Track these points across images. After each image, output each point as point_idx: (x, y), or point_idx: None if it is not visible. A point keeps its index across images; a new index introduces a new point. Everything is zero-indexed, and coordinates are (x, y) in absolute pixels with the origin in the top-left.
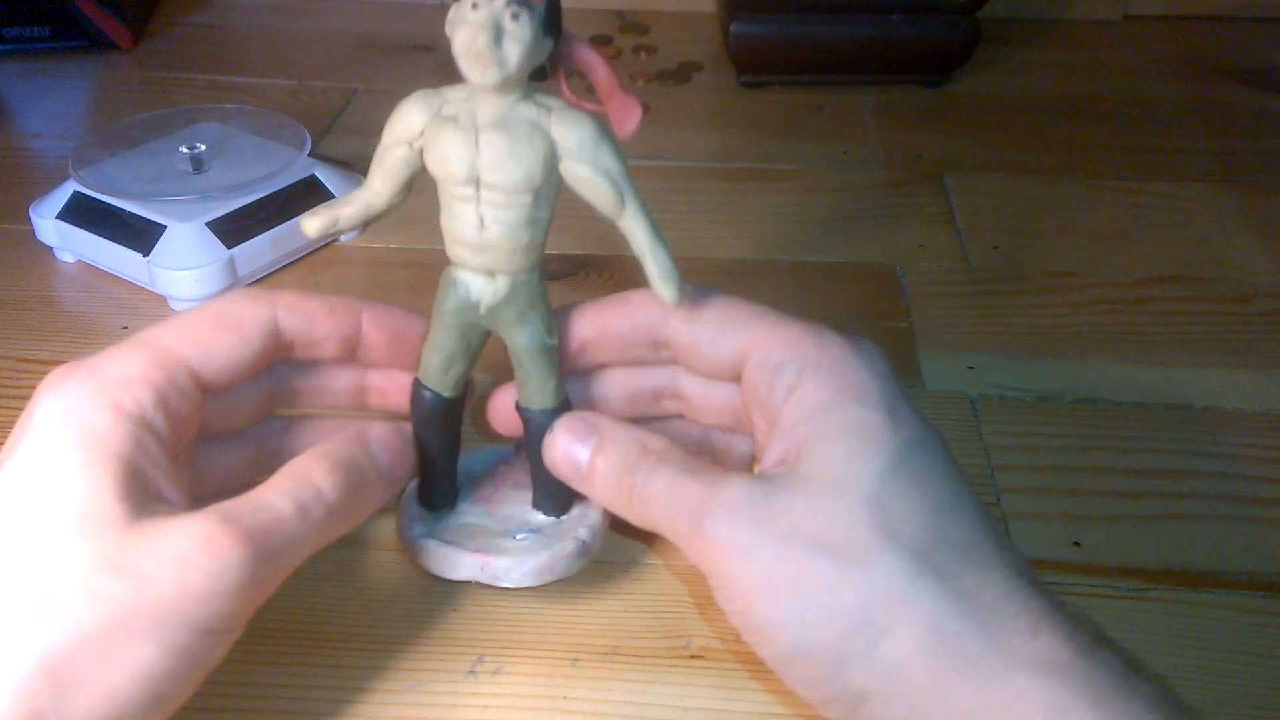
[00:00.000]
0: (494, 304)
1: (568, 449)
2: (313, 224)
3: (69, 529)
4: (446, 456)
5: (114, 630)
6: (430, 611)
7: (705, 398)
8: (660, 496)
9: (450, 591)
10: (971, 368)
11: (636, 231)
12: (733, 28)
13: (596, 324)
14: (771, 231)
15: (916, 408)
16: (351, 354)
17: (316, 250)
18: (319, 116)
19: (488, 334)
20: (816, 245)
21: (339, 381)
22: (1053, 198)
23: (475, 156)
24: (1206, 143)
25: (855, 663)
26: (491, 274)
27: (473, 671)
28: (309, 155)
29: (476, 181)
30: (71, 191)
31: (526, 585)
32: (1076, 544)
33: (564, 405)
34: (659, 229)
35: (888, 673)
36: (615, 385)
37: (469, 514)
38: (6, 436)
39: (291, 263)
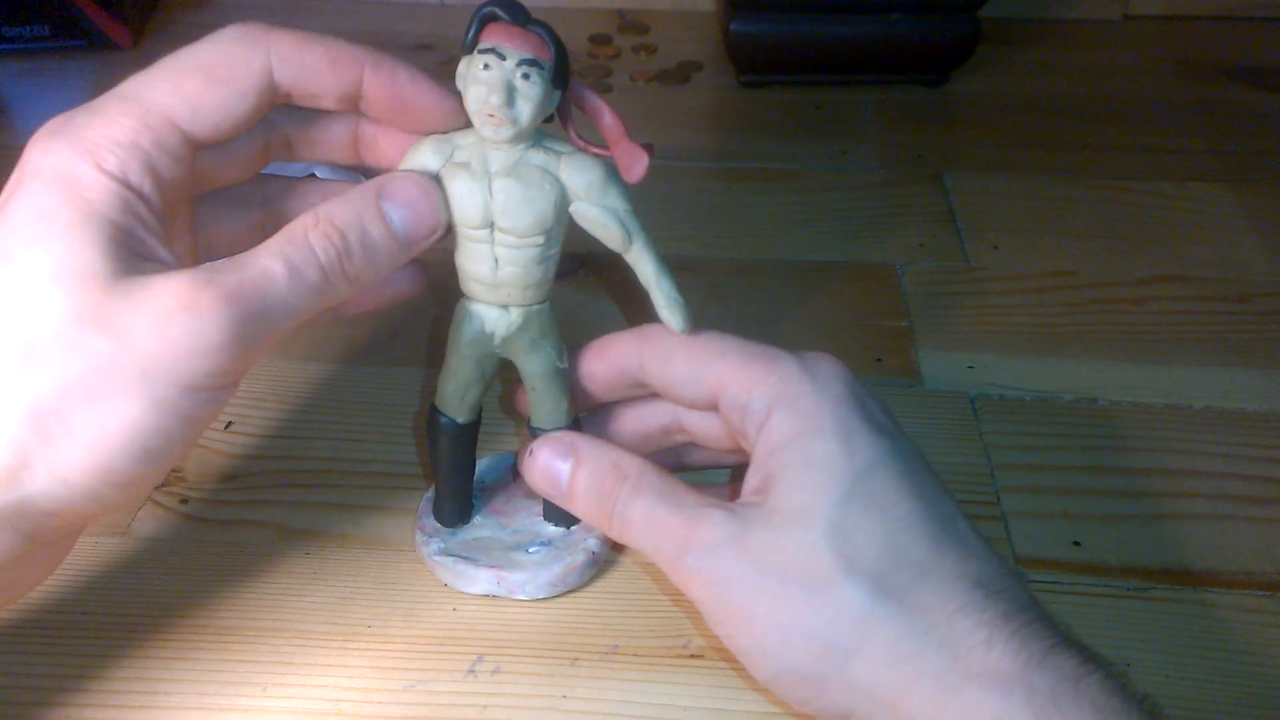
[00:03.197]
0: (508, 334)
1: (548, 466)
2: None
3: (49, 282)
4: (462, 478)
5: (96, 383)
6: (430, 611)
7: (706, 429)
8: (640, 525)
9: (450, 591)
10: (971, 368)
11: (643, 265)
12: (733, 27)
13: (582, 368)
14: (771, 231)
15: (881, 420)
16: (351, 108)
17: None
18: None
19: (500, 361)
20: (816, 245)
21: (335, 131)
22: (1053, 198)
23: (489, 202)
24: (1206, 143)
25: (832, 683)
26: (505, 307)
27: (472, 671)
28: None
29: (491, 225)
30: None
31: (540, 597)
32: (1076, 544)
33: (575, 424)
34: (664, 261)
35: (862, 691)
36: (624, 427)
37: (483, 527)
38: None
39: None
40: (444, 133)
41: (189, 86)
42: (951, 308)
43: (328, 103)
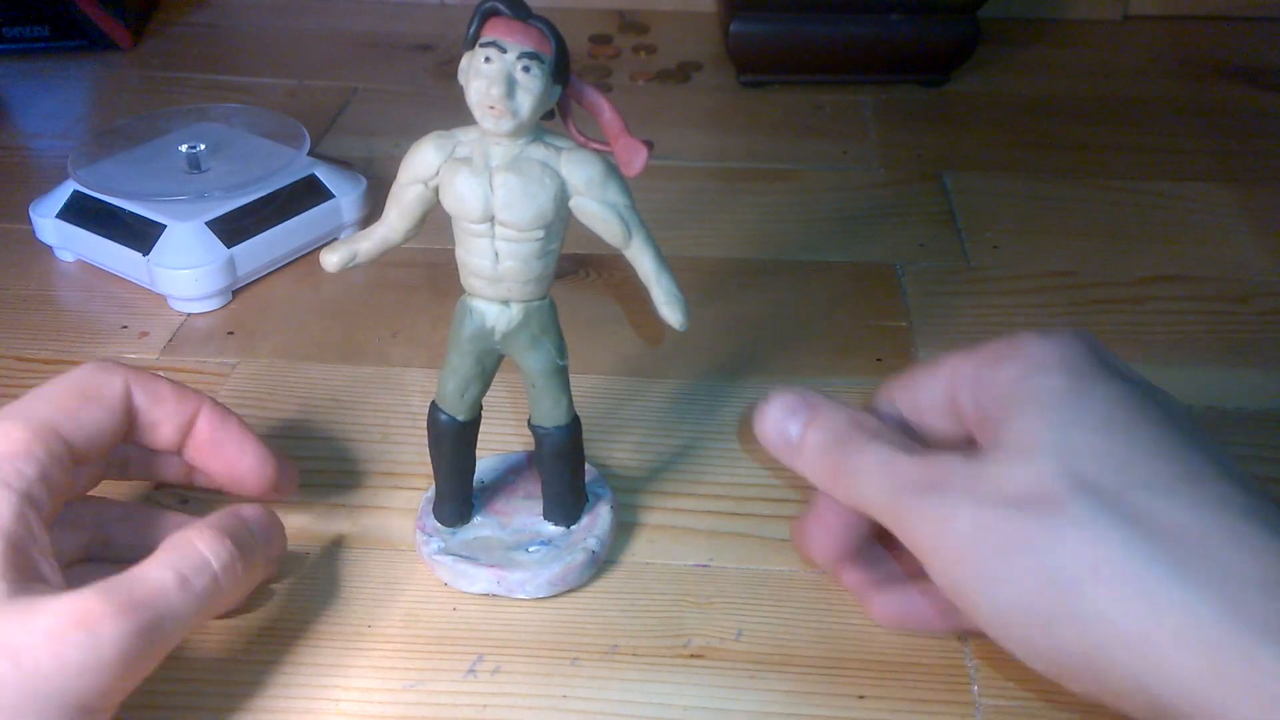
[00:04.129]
0: (508, 330)
1: (780, 421)
2: (332, 259)
3: None
4: (462, 477)
5: None
6: (430, 611)
7: None
8: (868, 470)
9: (450, 591)
10: None
11: (643, 260)
12: (733, 27)
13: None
14: (771, 231)
15: (1122, 369)
16: (182, 442)
17: (315, 250)
18: (319, 116)
19: (501, 358)
20: (816, 245)
21: (171, 462)
22: (1053, 198)
23: (489, 196)
24: (1206, 143)
25: (1061, 617)
26: (505, 302)
27: (472, 671)
28: (308, 154)
29: (491, 219)
30: (71, 191)
31: (540, 597)
32: None
33: (575, 422)
34: (664, 257)
35: (1094, 624)
36: None
37: (483, 527)
38: None
39: (291, 262)
40: (447, 129)
41: (68, 403)
42: (951, 308)
43: (166, 429)
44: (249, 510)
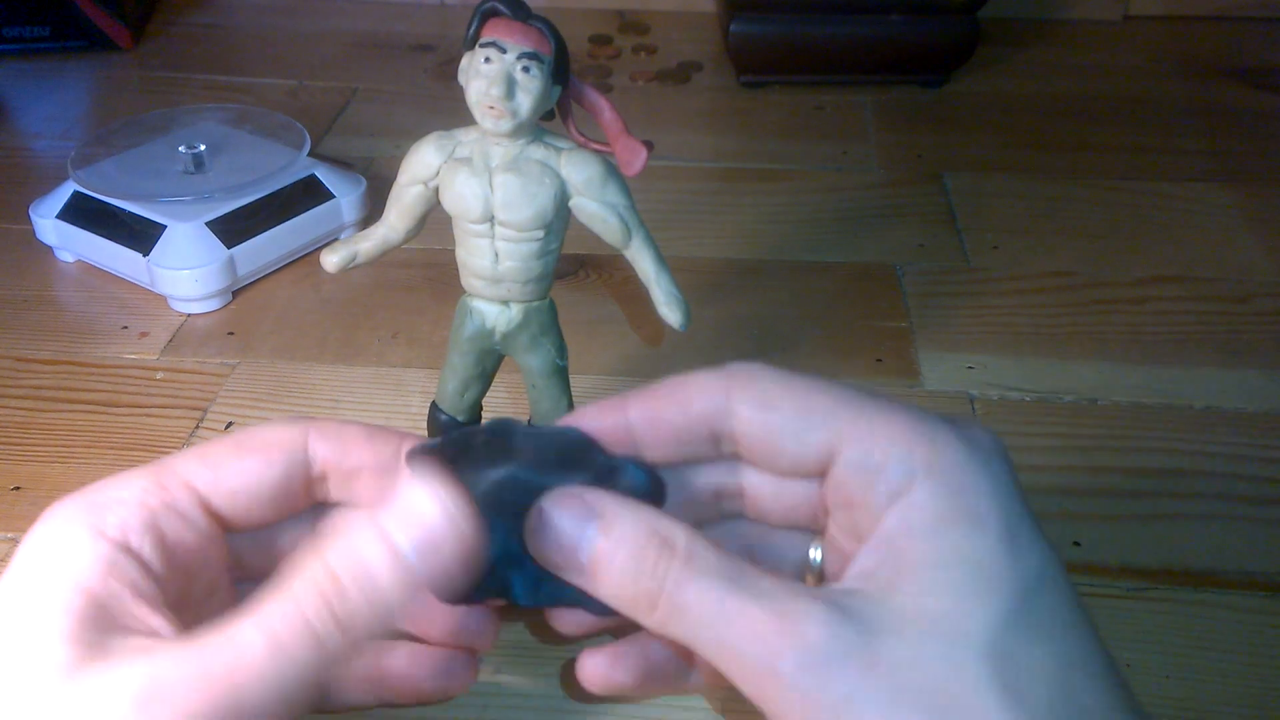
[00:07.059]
0: (508, 330)
1: (561, 536)
2: (332, 260)
3: (8, 680)
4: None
5: None
6: None
7: (776, 496)
8: (702, 615)
9: None
10: (971, 368)
11: (642, 260)
12: (733, 28)
13: (645, 414)
14: (771, 231)
15: (1036, 521)
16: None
17: (315, 250)
18: (319, 116)
19: (501, 359)
20: (816, 245)
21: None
22: (1053, 198)
23: (489, 196)
24: (1206, 143)
25: None
26: (505, 303)
27: None
28: (309, 155)
29: (491, 219)
30: (71, 191)
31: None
32: (1076, 544)
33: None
34: (663, 257)
35: None
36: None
37: None
38: (4, 438)
39: (291, 262)
40: (447, 129)
41: (214, 454)
42: (951, 308)
43: (366, 484)
44: (413, 527)
